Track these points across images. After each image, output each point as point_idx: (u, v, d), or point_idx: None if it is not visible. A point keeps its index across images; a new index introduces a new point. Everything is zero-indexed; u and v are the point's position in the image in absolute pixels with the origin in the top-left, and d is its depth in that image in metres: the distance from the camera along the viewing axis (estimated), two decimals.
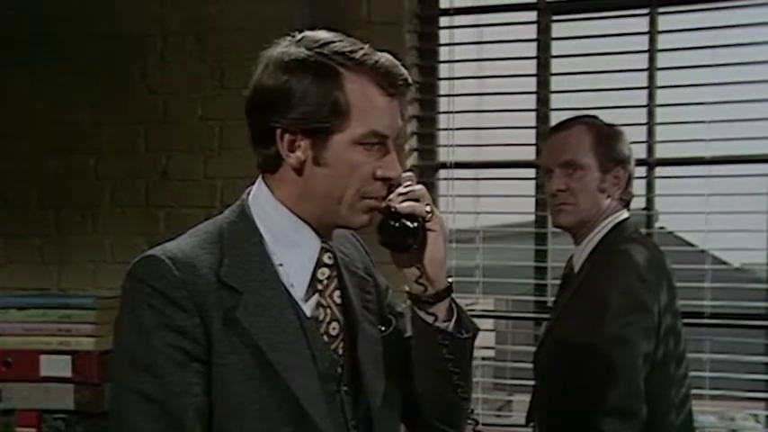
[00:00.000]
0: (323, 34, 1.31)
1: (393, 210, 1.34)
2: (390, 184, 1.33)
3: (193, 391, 1.22)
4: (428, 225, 1.36)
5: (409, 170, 1.41)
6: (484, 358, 3.44)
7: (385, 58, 1.30)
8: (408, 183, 1.36)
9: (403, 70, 1.31)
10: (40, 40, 3.59)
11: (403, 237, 1.35)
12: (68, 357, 2.73)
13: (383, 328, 1.42)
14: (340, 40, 1.29)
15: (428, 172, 3.35)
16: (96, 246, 3.53)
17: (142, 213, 3.48)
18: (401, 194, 1.35)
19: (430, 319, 1.38)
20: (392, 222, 1.34)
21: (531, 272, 3.26)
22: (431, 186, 3.34)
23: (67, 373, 2.73)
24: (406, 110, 3.16)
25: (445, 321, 1.40)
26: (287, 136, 1.28)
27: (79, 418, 2.73)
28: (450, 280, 1.41)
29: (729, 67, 3.03)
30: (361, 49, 1.29)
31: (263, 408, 1.24)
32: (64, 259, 3.58)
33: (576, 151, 2.13)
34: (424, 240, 1.37)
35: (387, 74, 1.29)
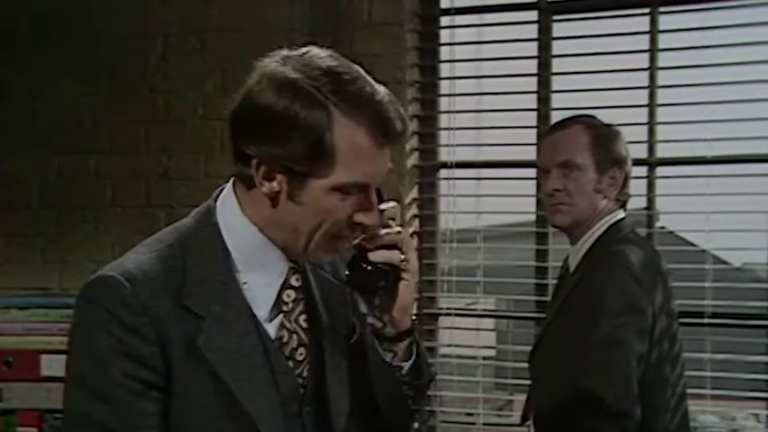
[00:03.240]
0: (324, 60, 1.19)
1: (366, 253, 1.29)
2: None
3: (150, 422, 1.17)
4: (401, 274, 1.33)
5: (394, 200, 1.32)
6: (485, 358, 3.44)
7: (384, 102, 1.19)
8: (391, 218, 1.31)
9: (400, 118, 1.21)
10: (40, 41, 3.59)
11: (372, 281, 1.30)
12: None
13: (349, 338, 1.38)
14: (342, 73, 1.18)
15: (429, 172, 3.35)
16: (97, 245, 3.53)
17: (143, 213, 3.48)
18: (378, 237, 1.29)
19: (389, 357, 1.36)
20: (364, 265, 1.29)
21: (531, 271, 3.26)
22: (431, 186, 3.35)
23: None
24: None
25: (405, 361, 1.38)
26: (263, 167, 1.19)
27: None
28: (413, 319, 1.38)
29: (730, 66, 3.03)
30: (361, 88, 1.18)
31: None
32: (65, 259, 3.58)
33: (573, 151, 2.13)
34: (395, 288, 1.32)
35: (382, 122, 1.19)
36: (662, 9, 3.09)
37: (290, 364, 1.28)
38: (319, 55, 1.20)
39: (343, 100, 1.17)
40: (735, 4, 3.08)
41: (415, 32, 3.32)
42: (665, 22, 3.09)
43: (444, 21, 3.37)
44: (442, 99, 3.36)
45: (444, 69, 3.37)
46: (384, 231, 1.30)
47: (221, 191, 1.30)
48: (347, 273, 1.31)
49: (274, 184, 1.20)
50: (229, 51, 3.32)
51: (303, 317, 1.30)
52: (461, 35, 3.36)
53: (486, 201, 3.35)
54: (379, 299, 1.34)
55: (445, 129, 3.34)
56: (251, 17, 3.30)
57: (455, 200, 3.33)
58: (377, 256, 1.29)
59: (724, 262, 3.80)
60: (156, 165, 3.49)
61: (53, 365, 2.74)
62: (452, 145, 3.32)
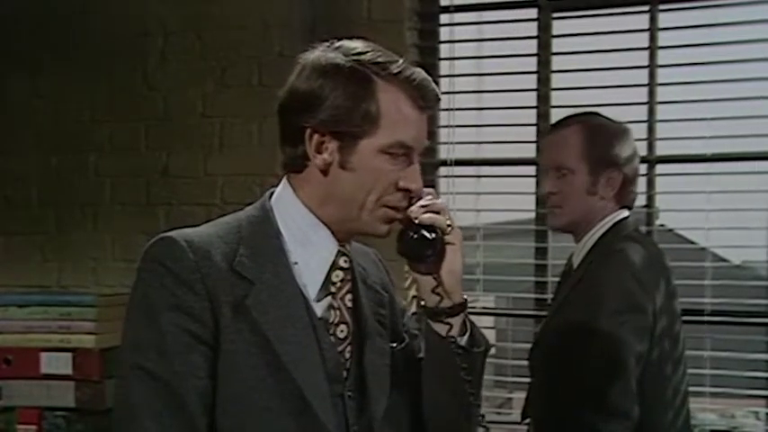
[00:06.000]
0: (360, 44, 1.33)
1: (413, 220, 1.35)
2: (411, 196, 1.35)
3: (198, 374, 1.23)
4: (447, 238, 1.38)
5: (431, 186, 1.40)
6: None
7: (419, 72, 1.33)
8: (429, 197, 1.38)
9: (435, 86, 1.35)
10: (40, 39, 3.59)
11: (421, 247, 1.36)
12: (69, 355, 2.74)
13: (395, 345, 1.43)
14: (376, 51, 1.33)
15: (428, 169, 3.34)
16: (97, 243, 3.53)
17: (142, 211, 3.48)
18: (423, 206, 1.36)
19: (444, 331, 1.39)
20: (411, 233, 1.36)
21: (531, 269, 3.26)
22: (431, 184, 3.34)
23: (68, 371, 2.74)
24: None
25: (459, 336, 1.41)
26: (316, 136, 1.30)
27: (80, 416, 2.73)
28: (465, 296, 1.42)
29: (730, 64, 3.03)
30: (397, 61, 1.32)
31: (266, 397, 1.25)
32: (64, 257, 3.58)
33: (564, 155, 2.11)
34: (443, 252, 1.38)
35: (419, 87, 1.33)
36: (661, 7, 3.09)
37: (332, 340, 1.34)
38: (353, 42, 1.34)
39: (383, 70, 1.30)
40: (734, 1, 3.08)
41: (414, 30, 3.32)
42: (664, 19, 3.09)
43: (444, 18, 3.37)
44: (442, 97, 3.35)
45: (444, 67, 3.36)
46: (428, 201, 1.38)
47: (274, 188, 1.39)
48: (397, 243, 1.37)
49: (326, 155, 1.30)
50: (229, 49, 3.31)
51: (349, 296, 1.37)
52: (461, 33, 3.36)
53: (486, 198, 3.35)
54: (428, 266, 1.38)
55: (445, 126, 3.33)
56: (250, 15, 3.29)
57: (454, 197, 3.33)
58: (424, 217, 1.35)
59: (723, 260, 3.79)
60: (155, 162, 3.49)
61: (53, 363, 2.74)
62: (452, 143, 3.32)
